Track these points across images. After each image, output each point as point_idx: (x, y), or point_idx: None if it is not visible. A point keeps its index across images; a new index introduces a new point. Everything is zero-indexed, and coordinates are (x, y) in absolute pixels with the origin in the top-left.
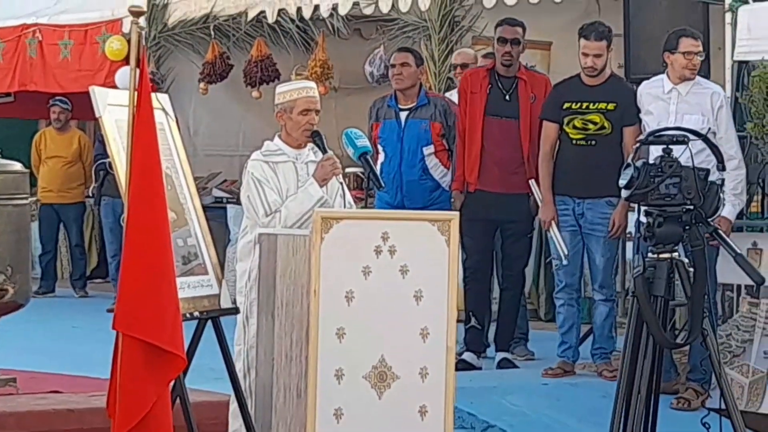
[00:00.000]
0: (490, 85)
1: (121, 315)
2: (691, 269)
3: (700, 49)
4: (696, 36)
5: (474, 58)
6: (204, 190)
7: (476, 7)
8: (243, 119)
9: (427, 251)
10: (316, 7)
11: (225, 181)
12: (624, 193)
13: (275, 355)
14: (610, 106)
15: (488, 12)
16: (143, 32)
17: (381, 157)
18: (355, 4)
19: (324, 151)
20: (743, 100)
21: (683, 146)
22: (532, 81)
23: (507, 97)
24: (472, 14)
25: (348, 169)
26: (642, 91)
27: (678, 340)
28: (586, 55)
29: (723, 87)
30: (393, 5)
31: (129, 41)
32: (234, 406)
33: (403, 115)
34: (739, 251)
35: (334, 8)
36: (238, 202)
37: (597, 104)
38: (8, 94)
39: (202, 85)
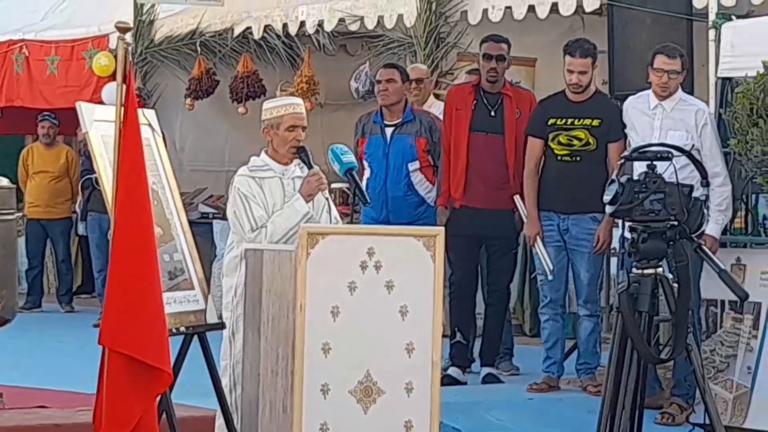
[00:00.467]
0: (475, 101)
1: (107, 330)
2: (676, 285)
3: (674, 67)
4: (672, 54)
5: (427, 73)
6: (190, 205)
7: (461, 23)
8: (229, 135)
9: (413, 267)
10: (302, 24)
11: (211, 196)
12: (608, 209)
13: (261, 371)
14: (595, 123)
15: (473, 28)
16: (130, 48)
17: (367, 173)
18: (341, 20)
19: (310, 167)
20: (727, 117)
21: (667, 162)
22: (518, 97)
23: (492, 113)
24: (457, 30)
25: (334, 185)
26: (628, 106)
27: (662, 356)
28: (571, 72)
29: (707, 103)
30: (378, 22)
31: (116, 57)
32: (220, 421)
33: (388, 130)
34: (723, 267)
35: (320, 24)
36: (224, 218)
37: (582, 120)
38: None
39: (188, 100)
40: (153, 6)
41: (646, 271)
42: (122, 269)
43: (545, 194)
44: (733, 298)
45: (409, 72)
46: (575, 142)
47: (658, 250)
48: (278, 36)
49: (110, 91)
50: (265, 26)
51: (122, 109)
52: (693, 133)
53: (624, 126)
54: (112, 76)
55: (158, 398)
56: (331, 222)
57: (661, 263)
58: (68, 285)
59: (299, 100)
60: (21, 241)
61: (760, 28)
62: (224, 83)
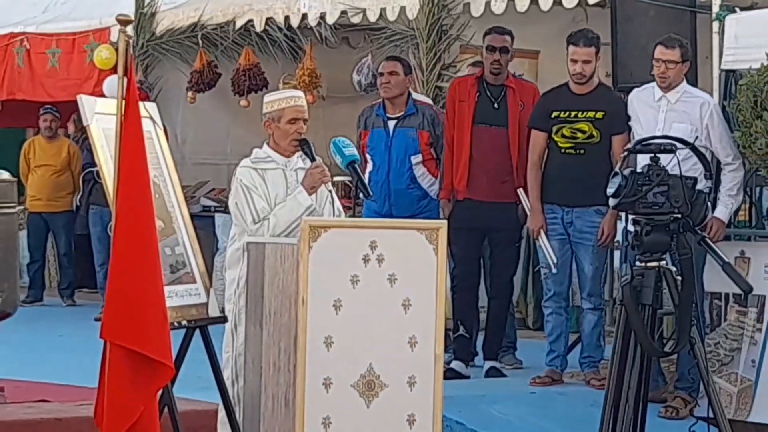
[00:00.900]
0: (478, 94)
1: (108, 324)
2: (679, 278)
3: (671, 57)
4: (670, 44)
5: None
6: (192, 198)
7: (464, 16)
8: (231, 128)
9: (415, 260)
10: (304, 16)
11: (213, 189)
12: (612, 202)
13: (263, 364)
14: (599, 115)
15: (476, 21)
16: (131, 41)
17: (369, 166)
18: (343, 13)
19: (312, 159)
20: (731, 109)
21: (671, 155)
22: (521, 89)
23: (496, 105)
24: (460, 23)
25: (336, 178)
26: (632, 98)
27: (666, 349)
28: (575, 61)
29: (711, 95)
30: (381, 14)
31: (117, 50)
32: (222, 414)
33: (391, 123)
34: (726, 260)
35: (322, 17)
36: (226, 211)
37: (585, 113)
38: None
39: (190, 93)
40: None
41: (649, 264)
42: (124, 263)
43: (549, 187)
44: (738, 291)
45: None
46: (579, 134)
47: (661, 243)
48: (280, 28)
49: (111, 84)
50: (267, 19)
51: (123, 102)
52: (697, 125)
53: (628, 118)
54: (114, 69)
55: (160, 392)
56: (334, 214)
57: (664, 256)
58: (70, 279)
59: (300, 93)
60: (22, 235)
61: (764, 20)
62: (226, 76)
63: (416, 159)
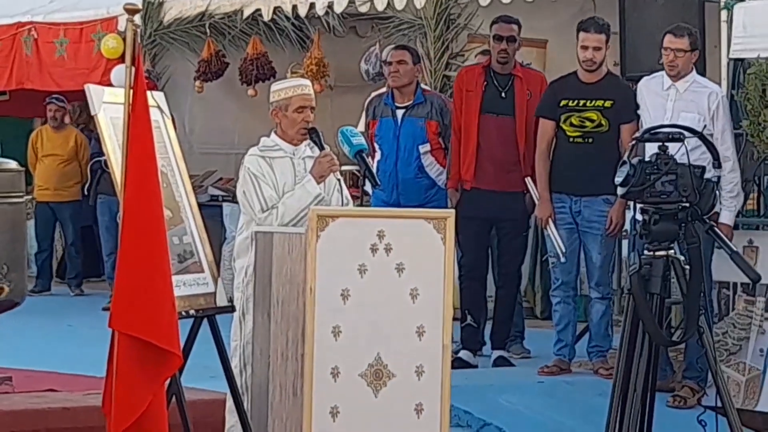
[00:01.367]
0: (485, 83)
1: (116, 313)
2: (687, 267)
3: (680, 46)
4: (679, 33)
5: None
6: (200, 188)
7: (472, 5)
8: (239, 117)
9: (423, 249)
10: (312, 5)
11: (221, 179)
12: (620, 191)
13: (271, 354)
14: (608, 104)
15: (484, 10)
16: (139, 30)
17: (377, 155)
18: (351, 2)
19: (321, 148)
20: (739, 98)
21: (679, 144)
22: (528, 78)
23: (503, 95)
24: (467, 12)
25: (343, 167)
26: (641, 87)
27: (674, 338)
28: (585, 48)
29: (719, 84)
30: (389, 3)
31: (125, 39)
32: (230, 403)
33: (399, 113)
34: (735, 249)
35: (330, 6)
36: (233, 200)
37: (594, 102)
38: (3, 93)
39: (197, 83)
40: None
41: (657, 253)
42: (132, 252)
43: (557, 176)
44: (746, 280)
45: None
46: (587, 123)
47: (669, 232)
48: (288, 18)
49: (119, 73)
50: (275, 8)
51: (131, 91)
52: (705, 115)
53: (637, 107)
54: (121, 59)
55: (168, 381)
56: (342, 203)
57: (672, 245)
58: (77, 268)
59: (307, 82)
60: (30, 225)
61: None
62: (234, 65)
63: (424, 148)
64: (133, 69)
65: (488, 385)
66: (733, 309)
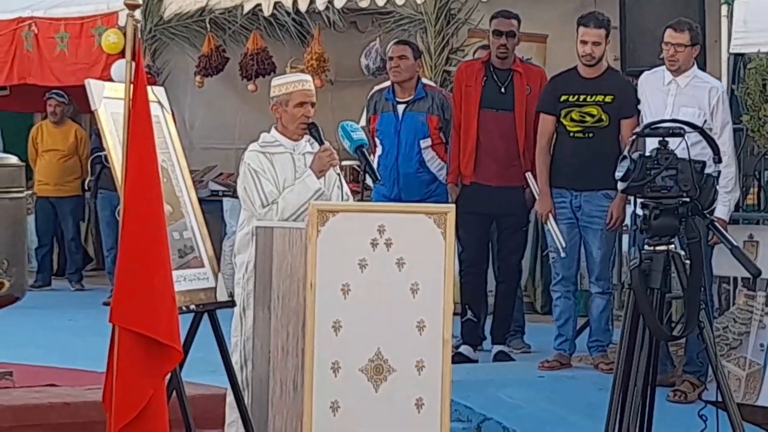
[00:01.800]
0: (485, 78)
1: (117, 308)
2: (688, 261)
3: (680, 40)
4: (679, 28)
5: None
6: (200, 183)
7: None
8: (239, 112)
9: (424, 244)
10: (312, 0)
11: (221, 174)
12: (620, 186)
13: (271, 349)
14: (608, 99)
15: (484, 4)
16: (139, 25)
17: (378, 150)
18: None
19: (321, 143)
20: (739, 93)
21: (679, 138)
22: (528, 73)
23: (503, 90)
24: (468, 7)
25: (344, 162)
26: (642, 81)
27: (674, 333)
28: (584, 42)
29: (719, 79)
30: None
31: (125, 34)
32: (230, 398)
33: (400, 108)
34: (735, 243)
35: (330, 1)
36: (234, 196)
37: (595, 96)
38: (4, 88)
39: (198, 78)
40: None
41: (658, 248)
42: (132, 247)
43: (558, 171)
44: (746, 275)
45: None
46: (588, 118)
47: (670, 227)
48: (288, 13)
49: (119, 68)
50: (275, 3)
51: (131, 86)
52: (705, 110)
53: (637, 102)
54: (122, 54)
55: (168, 376)
56: (342, 198)
57: (673, 240)
58: (78, 263)
59: (308, 77)
60: (30, 220)
61: None
62: (234, 60)
63: (425, 143)
64: (134, 64)
65: (489, 380)
66: (734, 304)
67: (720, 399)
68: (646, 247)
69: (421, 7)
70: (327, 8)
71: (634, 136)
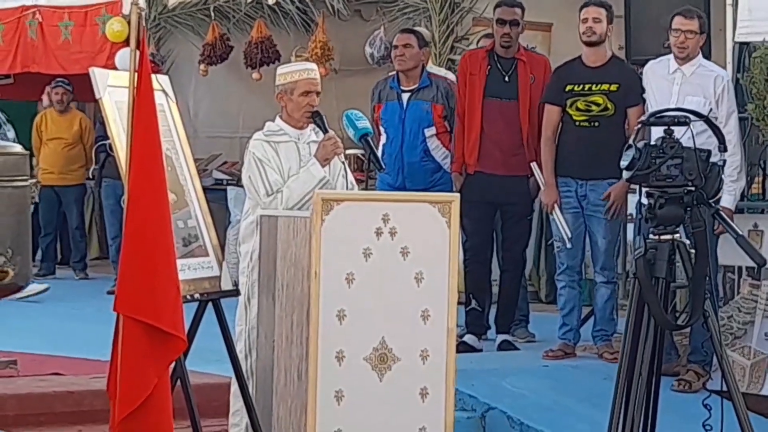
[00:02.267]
0: (489, 67)
1: (121, 297)
2: (693, 251)
3: (690, 27)
4: (690, 15)
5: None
6: (204, 171)
7: None
8: (243, 101)
9: (428, 233)
10: None
11: (225, 162)
12: (625, 175)
13: (276, 337)
14: (613, 87)
15: None
16: (143, 13)
17: (383, 139)
18: None
19: (325, 131)
20: (744, 82)
21: (685, 127)
22: (532, 62)
23: (506, 79)
24: None
25: (348, 151)
26: (648, 70)
27: (679, 322)
28: (585, 20)
29: (724, 68)
30: None
31: (129, 23)
32: (235, 387)
33: (405, 96)
34: (740, 233)
35: None
36: (238, 184)
37: (600, 85)
38: (8, 76)
39: (202, 66)
40: None
41: (663, 237)
42: (136, 236)
43: (563, 160)
44: (751, 264)
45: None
46: (593, 107)
47: (675, 216)
48: (292, 1)
49: (124, 56)
50: None
51: (136, 75)
52: (711, 98)
53: (642, 91)
54: (126, 42)
55: (173, 365)
56: (347, 187)
57: (678, 229)
58: (82, 252)
59: (313, 65)
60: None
61: None
62: (238, 49)
63: (430, 132)
64: (138, 52)
65: (493, 369)
66: (738, 293)
67: (725, 388)
68: (651, 236)
69: None
70: None
71: (639, 125)
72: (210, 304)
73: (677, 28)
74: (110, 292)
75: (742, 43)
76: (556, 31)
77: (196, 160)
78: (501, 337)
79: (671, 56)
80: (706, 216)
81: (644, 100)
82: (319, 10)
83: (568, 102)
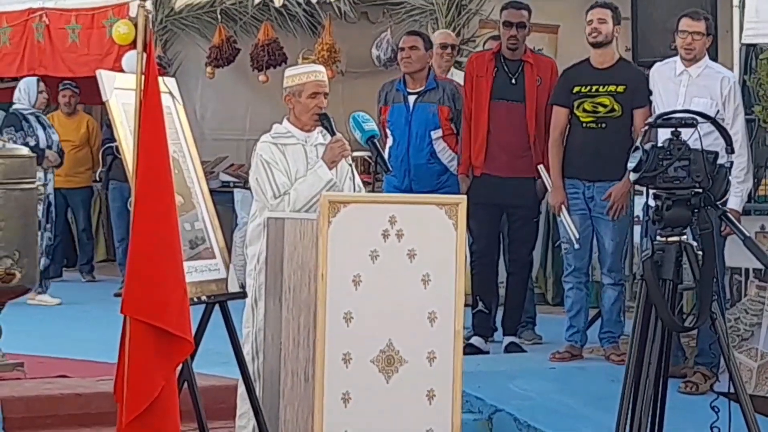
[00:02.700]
0: (496, 69)
1: (128, 299)
2: (700, 252)
3: (697, 29)
4: (697, 17)
5: (455, 39)
6: (211, 174)
7: None
8: (250, 103)
9: (435, 235)
10: None
11: (232, 165)
12: (632, 176)
13: (283, 340)
14: (620, 89)
15: None
16: (150, 16)
17: (389, 141)
18: None
19: (333, 134)
20: (751, 83)
21: (692, 129)
22: (538, 64)
23: (513, 81)
24: None
25: (355, 153)
26: (654, 72)
27: (686, 324)
28: (590, 22)
29: (731, 70)
30: None
31: (136, 25)
32: (242, 389)
33: (411, 98)
34: (748, 234)
35: None
36: (245, 186)
37: (607, 87)
38: (14, 79)
39: (209, 69)
40: None
41: (670, 239)
42: (143, 238)
43: (570, 162)
44: (758, 266)
45: (437, 37)
46: (600, 108)
47: (682, 218)
48: (299, 3)
49: (131, 59)
50: None
51: (143, 77)
52: (717, 100)
53: (649, 92)
54: (133, 45)
55: (180, 367)
56: (354, 189)
57: (685, 231)
58: (89, 255)
59: (321, 68)
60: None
61: None
62: (245, 51)
63: (436, 134)
64: (145, 55)
65: (500, 371)
66: (746, 295)
67: (732, 390)
68: (658, 238)
69: None
70: None
71: (646, 127)
72: (217, 307)
73: (684, 30)
74: (117, 295)
75: (748, 45)
76: (563, 33)
77: (202, 163)
78: (508, 339)
79: (678, 58)
80: (714, 218)
81: (651, 102)
82: (325, 12)
83: (576, 103)
